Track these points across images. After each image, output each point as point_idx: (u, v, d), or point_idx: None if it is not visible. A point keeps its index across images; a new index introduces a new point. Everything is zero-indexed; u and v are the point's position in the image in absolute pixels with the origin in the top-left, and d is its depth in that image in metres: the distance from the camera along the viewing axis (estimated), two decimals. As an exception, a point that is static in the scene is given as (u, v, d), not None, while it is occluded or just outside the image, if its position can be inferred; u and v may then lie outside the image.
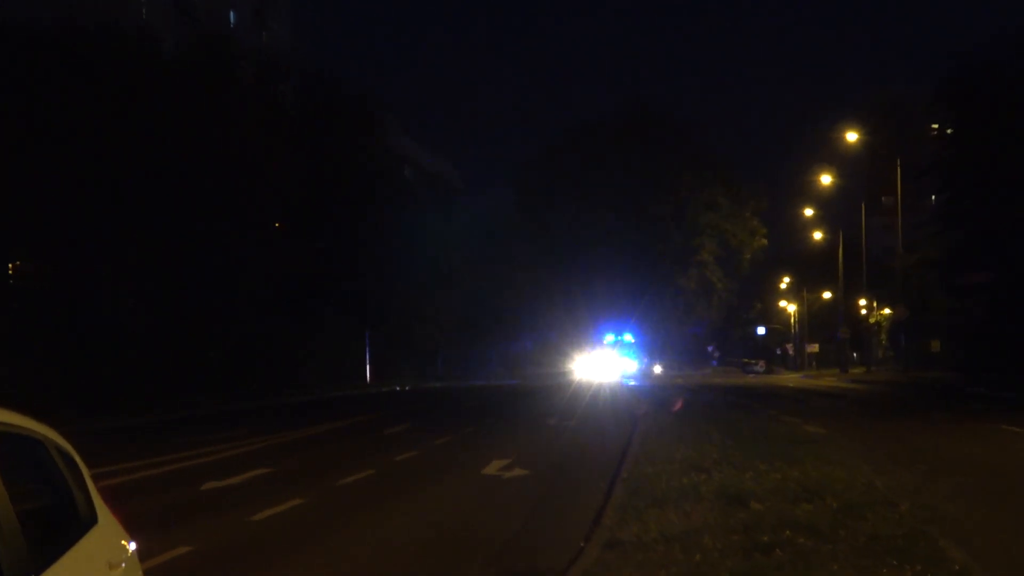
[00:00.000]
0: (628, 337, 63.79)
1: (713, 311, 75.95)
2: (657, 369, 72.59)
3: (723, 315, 79.79)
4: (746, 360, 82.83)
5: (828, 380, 50.28)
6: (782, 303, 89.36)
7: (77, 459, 3.65)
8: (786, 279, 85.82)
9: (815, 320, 78.81)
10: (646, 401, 28.69)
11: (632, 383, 47.58)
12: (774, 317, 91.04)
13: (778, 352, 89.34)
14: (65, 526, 3.42)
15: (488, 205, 67.50)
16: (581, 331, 63.12)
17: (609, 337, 62.82)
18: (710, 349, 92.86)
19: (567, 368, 58.92)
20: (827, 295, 74.82)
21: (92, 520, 3.58)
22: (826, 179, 63.06)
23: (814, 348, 75.86)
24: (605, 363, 57.40)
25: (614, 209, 71.01)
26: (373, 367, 47.73)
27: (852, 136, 55.18)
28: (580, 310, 65.06)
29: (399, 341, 50.93)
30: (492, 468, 13.22)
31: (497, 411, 26.69)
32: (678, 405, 26.37)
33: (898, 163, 49.05)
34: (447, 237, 54.45)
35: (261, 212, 34.82)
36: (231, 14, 48.95)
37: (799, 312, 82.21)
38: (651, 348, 76.35)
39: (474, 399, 33.72)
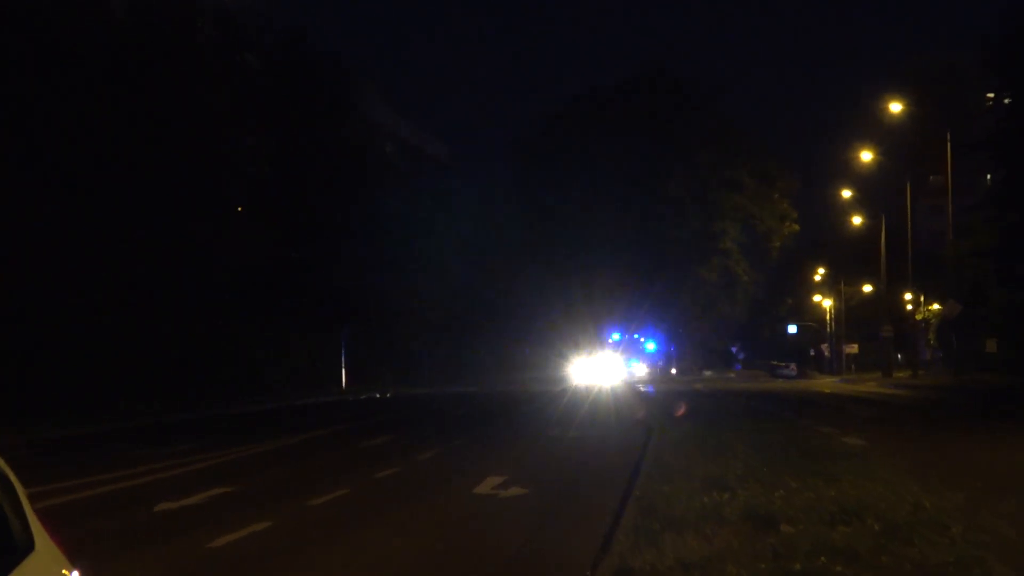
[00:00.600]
0: (639, 337, 64.22)
1: (737, 307, 76.10)
2: (674, 372, 72.80)
3: (749, 311, 79.98)
4: (775, 362, 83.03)
5: (869, 385, 50.36)
6: (816, 298, 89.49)
7: (11, 476, 3.64)
8: (820, 270, 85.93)
9: (854, 317, 78.91)
10: (659, 409, 28.72)
11: (643, 389, 47.76)
12: (807, 313, 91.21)
13: (811, 353, 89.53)
14: (-3, 554, 3.40)
15: (481, 185, 67.63)
16: (583, 329, 63.08)
17: (615, 336, 63.14)
18: (733, 350, 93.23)
19: (564, 372, 58.99)
20: (867, 288, 74.91)
21: (28, 547, 3.56)
22: (866, 156, 62.60)
23: (852, 348, 75.87)
24: (609, 365, 57.69)
25: (624, 187, 70.97)
26: (350, 370, 47.76)
27: (896, 107, 54.74)
28: (582, 304, 65.14)
29: (380, 341, 50.96)
30: (486, 486, 13.21)
31: (490, 420, 26.78)
32: (681, 410, 26.53)
33: (948, 138, 48.87)
34: (434, 221, 54.42)
35: (222, 193, 34.75)
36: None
37: (835, 308, 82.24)
38: (665, 349, 76.67)
39: (464, 407, 33.82)
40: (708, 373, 78.67)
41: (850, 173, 70.74)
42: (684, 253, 71.58)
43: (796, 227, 75.54)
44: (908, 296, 62.44)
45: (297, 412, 32.54)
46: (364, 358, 49.67)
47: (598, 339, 63.44)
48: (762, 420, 22.82)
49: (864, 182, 71.68)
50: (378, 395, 44.18)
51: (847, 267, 77.98)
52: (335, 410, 33.78)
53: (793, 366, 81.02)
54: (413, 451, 17.82)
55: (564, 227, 69.69)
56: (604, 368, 56.97)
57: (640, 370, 61.03)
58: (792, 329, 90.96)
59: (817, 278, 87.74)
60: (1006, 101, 42.25)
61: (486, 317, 62.81)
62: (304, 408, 34.73)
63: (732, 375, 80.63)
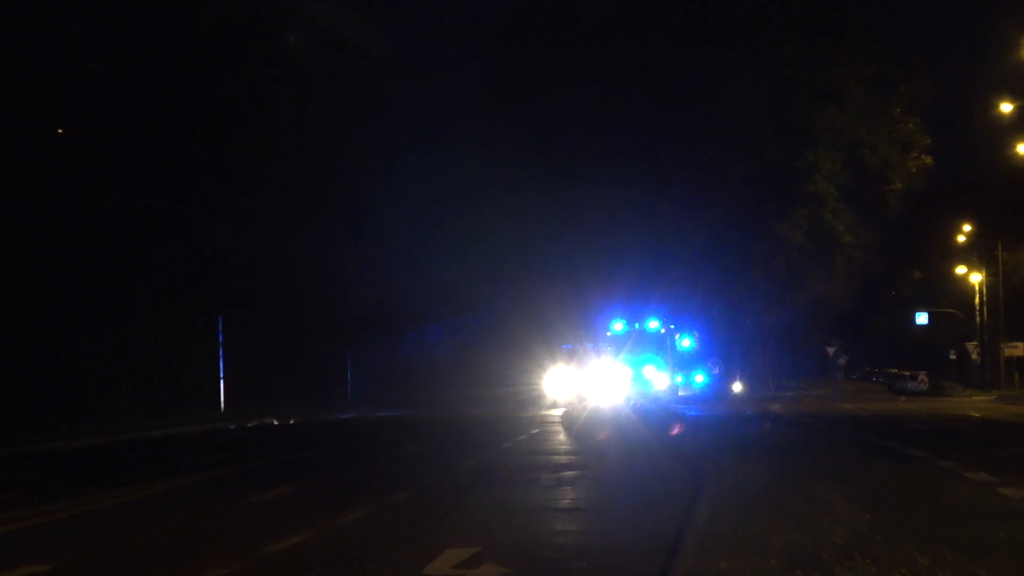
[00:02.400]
0: (664, 326, 63.99)
1: (836, 284, 76.29)
2: (737, 387, 72.99)
3: (854, 291, 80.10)
4: (895, 370, 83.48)
5: (1044, 406, 50.68)
6: (959, 270, 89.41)
7: None
8: (965, 228, 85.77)
9: (1017, 300, 79.03)
10: (716, 443, 28.84)
11: (672, 407, 48.20)
12: (944, 295, 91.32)
13: (951, 356, 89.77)
14: None
15: (436, 95, 67.33)
16: (575, 318, 63.80)
17: (618, 325, 63.32)
18: (831, 352, 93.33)
19: (542, 386, 60.27)
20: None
21: None
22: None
23: (1015, 350, 76.10)
24: (607, 376, 58.14)
25: (652, 99, 70.90)
26: (234, 385, 47.80)
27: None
28: (586, 279, 66.55)
29: (280, 341, 51.06)
30: (442, 566, 13.19)
31: (448, 460, 26.98)
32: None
33: None
34: (364, 152, 54.37)
35: (30, 104, 34.60)
36: None
37: (988, 286, 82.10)
38: (718, 347, 76.65)
39: (409, 440, 34.25)
40: (792, 386, 78.93)
41: (1016, 77, 70.59)
42: (750, 200, 71.57)
43: (928, 161, 75.67)
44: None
45: (153, 448, 32.74)
46: (255, 366, 49.82)
47: (592, 331, 63.94)
48: (876, 460, 23.03)
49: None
50: (276, 422, 44.58)
51: (1007, 224, 77.99)
52: (211, 444, 33.98)
53: (923, 376, 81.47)
54: (330, 509, 17.87)
55: (558, 159, 69.65)
56: (602, 380, 57.62)
57: (660, 380, 61.12)
58: (921, 319, 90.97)
59: (960, 240, 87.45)
60: None
61: (443, 300, 62.97)
62: (162, 441, 34.89)
63: (829, 390, 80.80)
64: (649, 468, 24.40)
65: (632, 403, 51.03)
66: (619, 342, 61.26)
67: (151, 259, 41.72)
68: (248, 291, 47.94)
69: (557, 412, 50.37)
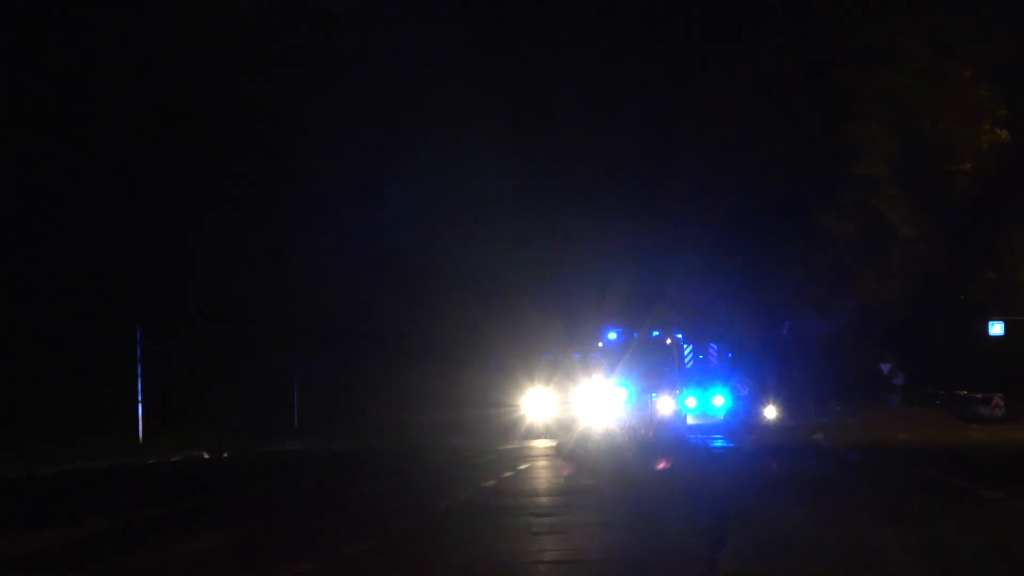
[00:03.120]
0: (670, 336, 62.89)
1: (890, 285, 76.27)
2: (770, 412, 72.87)
3: (912, 294, 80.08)
4: (964, 393, 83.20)
5: None
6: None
7: None
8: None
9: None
10: (742, 481, 28.78)
11: (686, 437, 48.11)
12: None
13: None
14: None
15: (408, 50, 67.41)
16: (572, 321, 63.48)
17: (612, 334, 62.29)
18: (885, 369, 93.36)
19: (520, 404, 59.86)
20: None
21: None
22: None
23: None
24: (597, 396, 57.31)
25: (660, 52, 70.97)
26: (153, 410, 47.68)
27: None
28: (573, 273, 66.71)
29: (211, 356, 50.95)
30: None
31: (417, 502, 26.83)
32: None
33: None
34: (321, 126, 54.41)
35: None
36: None
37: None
38: (745, 363, 76.50)
39: (368, 476, 34.67)
40: (835, 412, 78.84)
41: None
42: (784, 183, 71.59)
43: (1003, 135, 75.65)
44: None
45: (49, 487, 32.60)
46: (181, 387, 49.70)
47: (581, 340, 63.31)
48: (940, 501, 23.07)
49: None
50: (207, 455, 44.58)
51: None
52: (126, 482, 33.98)
53: (998, 399, 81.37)
54: (270, 563, 17.93)
55: (542, 129, 69.69)
56: (592, 401, 56.88)
57: (665, 404, 60.05)
58: (995, 329, 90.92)
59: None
60: None
61: (412, 301, 62.98)
62: (64, 479, 34.77)
63: (878, 416, 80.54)
64: (660, 512, 24.26)
65: (632, 432, 50.72)
66: (613, 354, 59.97)
67: (49, 257, 41.65)
68: (173, 296, 47.81)
69: (543, 442, 50.37)
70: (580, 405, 54.57)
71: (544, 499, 26.74)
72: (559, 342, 62.48)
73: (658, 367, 59.22)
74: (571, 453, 40.89)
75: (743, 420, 67.04)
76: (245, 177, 49.59)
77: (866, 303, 76.87)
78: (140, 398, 47.26)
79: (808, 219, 72.51)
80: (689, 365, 67.30)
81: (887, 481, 29.09)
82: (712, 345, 68.70)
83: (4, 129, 40.52)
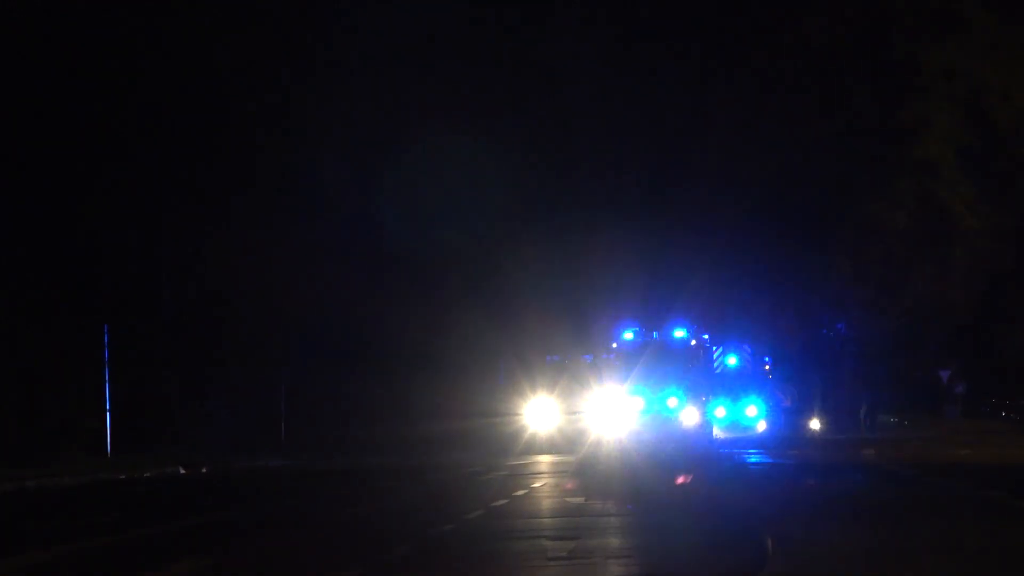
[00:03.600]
0: (689, 333, 61.79)
1: (954, 283, 76.10)
2: (814, 425, 72.92)
3: (978, 294, 79.93)
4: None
5: None
6: None
7: None
8: None
9: None
10: (776, 501, 28.83)
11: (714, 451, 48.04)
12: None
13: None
14: None
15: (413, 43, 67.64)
16: (582, 321, 63.19)
17: (629, 334, 61.04)
18: (945, 377, 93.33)
19: (523, 413, 59.34)
20: None
21: None
22: None
23: None
24: (611, 405, 56.41)
25: (693, 17, 71.17)
26: (122, 421, 47.72)
27: None
28: (585, 266, 66.96)
29: (187, 361, 51.04)
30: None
31: (416, 525, 26.84)
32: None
33: None
34: (307, 107, 54.68)
35: None
36: None
37: None
38: (784, 370, 76.31)
39: (363, 497, 34.91)
40: (889, 425, 78.83)
41: None
42: (832, 166, 71.52)
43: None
44: None
45: (6, 504, 32.98)
46: (154, 395, 49.77)
47: (591, 340, 62.43)
48: (1008, 527, 23.15)
49: None
50: (184, 470, 44.68)
51: None
52: (91, 502, 34.15)
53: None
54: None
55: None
56: (604, 411, 56.37)
57: (690, 415, 59.16)
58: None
59: None
60: None
61: (416, 314, 62.99)
62: (20, 497, 35.11)
63: (937, 430, 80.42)
64: (690, 532, 24.36)
65: (647, 446, 50.77)
66: (629, 357, 58.18)
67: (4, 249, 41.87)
68: (146, 292, 47.89)
69: (547, 458, 50.34)
70: (589, 415, 54.21)
71: (560, 522, 26.89)
72: (567, 342, 62.22)
73: (681, 372, 58.40)
74: (579, 470, 40.94)
75: (783, 433, 67.01)
76: (231, 170, 49.68)
77: (923, 303, 76.80)
78: (108, 406, 47.25)
79: (858, 207, 72.47)
80: (719, 370, 66.72)
81: (947, 505, 29.12)
82: (745, 347, 68.23)
83: None
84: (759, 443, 61.34)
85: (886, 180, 72.56)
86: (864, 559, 18.95)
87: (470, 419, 64.70)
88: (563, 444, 53.61)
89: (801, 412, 73.11)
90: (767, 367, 74.05)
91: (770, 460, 47.53)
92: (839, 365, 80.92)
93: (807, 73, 71.37)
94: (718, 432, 61.19)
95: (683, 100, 70.62)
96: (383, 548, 22.93)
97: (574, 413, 56.86)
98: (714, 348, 64.18)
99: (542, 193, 67.49)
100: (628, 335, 59.07)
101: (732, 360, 67.10)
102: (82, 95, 46.32)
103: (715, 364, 64.66)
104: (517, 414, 59.30)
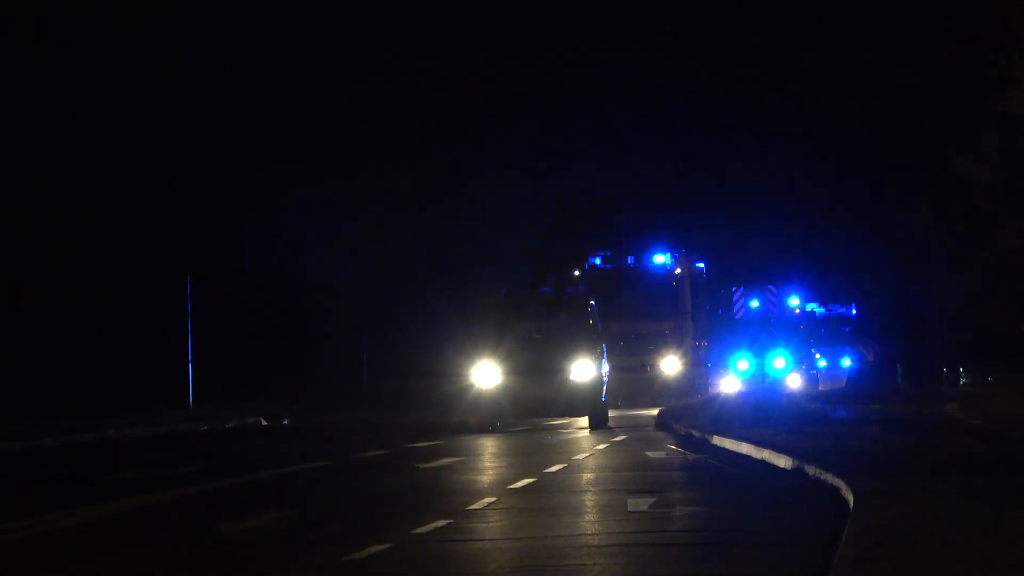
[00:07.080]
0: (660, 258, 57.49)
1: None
2: (895, 378, 72.49)
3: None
4: None
5: None
6: None
7: None
8: None
9: None
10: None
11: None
12: None
13: None
14: None
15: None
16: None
17: (661, 258, 55.74)
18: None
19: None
20: None
21: None
22: None
23: None
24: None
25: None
26: (205, 372, 47.96)
27: None
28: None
29: (269, 314, 51.14)
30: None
31: (501, 478, 26.85)
32: None
33: None
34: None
35: None
36: None
37: None
38: (868, 324, 75.60)
39: (447, 448, 34.89)
40: (972, 381, 78.26)
41: None
42: (915, 118, 70.88)
43: None
44: None
45: (91, 455, 33.08)
46: (236, 347, 49.98)
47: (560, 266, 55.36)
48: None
49: None
50: (266, 421, 45.01)
51: None
52: (174, 452, 34.38)
53: None
54: (334, 543, 17.75)
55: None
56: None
57: (731, 384, 55.91)
58: None
59: None
60: None
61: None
62: (107, 447, 35.33)
63: (1015, 387, 79.61)
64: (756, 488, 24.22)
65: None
66: (608, 289, 51.01)
67: (89, 204, 41.96)
68: (229, 246, 48.05)
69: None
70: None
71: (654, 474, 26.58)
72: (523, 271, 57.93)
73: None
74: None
75: (866, 386, 66.48)
76: (315, 119, 49.76)
77: (1008, 258, 76.17)
78: (191, 359, 47.39)
79: (942, 161, 71.91)
80: (739, 315, 63.86)
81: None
82: (771, 289, 65.56)
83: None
84: (841, 396, 60.82)
85: (971, 134, 71.96)
86: (954, 513, 18.70)
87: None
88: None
89: (882, 366, 72.61)
90: (797, 311, 72.24)
91: (847, 416, 47.11)
92: (921, 320, 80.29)
93: (894, 27, 70.85)
94: (729, 387, 58.40)
95: (773, 43, 70.25)
96: (462, 500, 22.95)
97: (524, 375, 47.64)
98: (734, 289, 61.80)
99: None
100: (663, 259, 55.46)
101: (795, 300, 65.18)
102: (179, 41, 46.35)
103: (736, 308, 62.32)
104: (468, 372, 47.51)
